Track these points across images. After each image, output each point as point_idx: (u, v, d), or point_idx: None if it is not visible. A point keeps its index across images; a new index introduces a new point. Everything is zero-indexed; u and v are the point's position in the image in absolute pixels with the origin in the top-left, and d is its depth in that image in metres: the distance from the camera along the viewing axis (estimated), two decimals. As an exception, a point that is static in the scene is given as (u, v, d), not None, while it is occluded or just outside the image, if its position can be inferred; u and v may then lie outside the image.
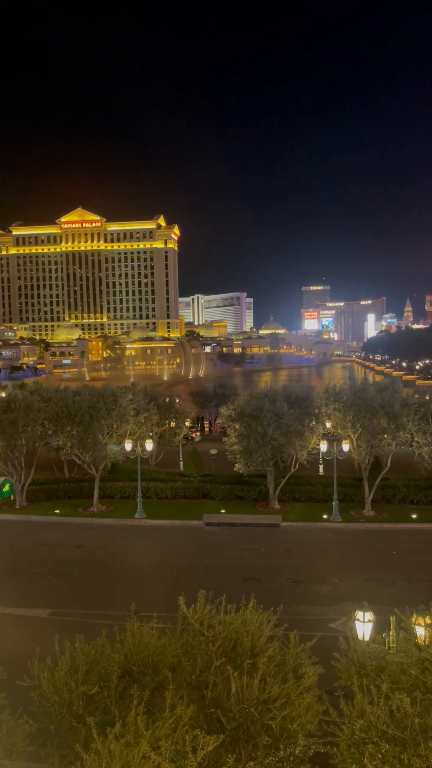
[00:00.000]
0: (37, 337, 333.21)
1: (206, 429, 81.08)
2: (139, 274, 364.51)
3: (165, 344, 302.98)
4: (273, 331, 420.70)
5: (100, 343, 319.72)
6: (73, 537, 40.43)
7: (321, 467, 53.82)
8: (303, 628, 16.07)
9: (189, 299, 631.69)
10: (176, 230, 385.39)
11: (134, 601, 26.83)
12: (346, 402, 43.82)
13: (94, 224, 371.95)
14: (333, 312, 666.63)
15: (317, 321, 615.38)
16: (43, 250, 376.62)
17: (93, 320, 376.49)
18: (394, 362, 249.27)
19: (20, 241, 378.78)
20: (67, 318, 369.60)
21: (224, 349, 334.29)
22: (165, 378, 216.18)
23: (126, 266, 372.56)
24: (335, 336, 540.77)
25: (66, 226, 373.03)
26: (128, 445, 45.72)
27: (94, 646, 14.05)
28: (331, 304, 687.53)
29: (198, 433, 76.12)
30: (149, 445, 47.68)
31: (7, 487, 49.45)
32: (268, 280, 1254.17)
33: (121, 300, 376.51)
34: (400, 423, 42.93)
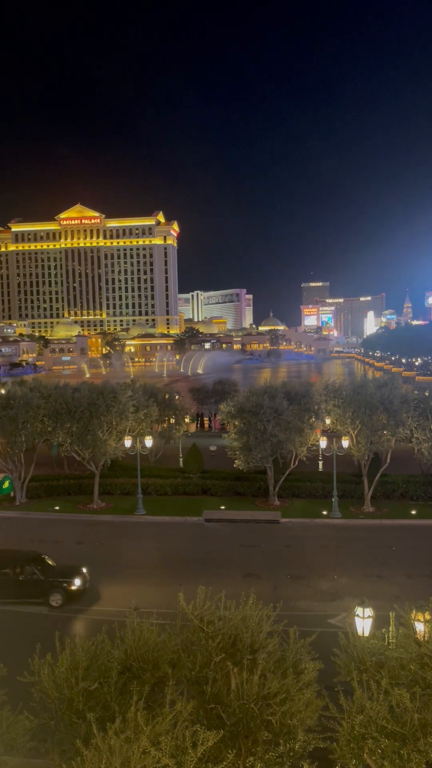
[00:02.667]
0: (37, 334, 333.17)
1: (206, 425, 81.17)
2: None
3: (164, 341, 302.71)
4: (272, 327, 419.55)
5: (99, 340, 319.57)
6: (73, 533, 40.45)
7: (320, 464, 53.80)
8: (303, 624, 16.12)
9: (188, 296, 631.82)
10: (175, 226, 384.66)
11: (134, 597, 27.04)
12: (345, 398, 43.83)
13: (93, 220, 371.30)
14: (332, 308, 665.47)
15: (317, 317, 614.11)
16: (41, 246, 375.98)
17: (92, 317, 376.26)
18: (393, 358, 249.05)
19: (19, 237, 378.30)
20: (66, 315, 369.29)
21: (224, 345, 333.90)
22: (165, 374, 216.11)
23: (125, 263, 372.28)
24: (335, 332, 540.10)
25: (65, 222, 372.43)
26: (128, 442, 45.73)
27: (94, 642, 14.09)
28: (330, 301, 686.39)
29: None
30: (149, 442, 47.68)
31: (6, 484, 49.43)
32: (268, 277, 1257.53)
33: (120, 297, 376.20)
34: (399, 419, 42.95)
